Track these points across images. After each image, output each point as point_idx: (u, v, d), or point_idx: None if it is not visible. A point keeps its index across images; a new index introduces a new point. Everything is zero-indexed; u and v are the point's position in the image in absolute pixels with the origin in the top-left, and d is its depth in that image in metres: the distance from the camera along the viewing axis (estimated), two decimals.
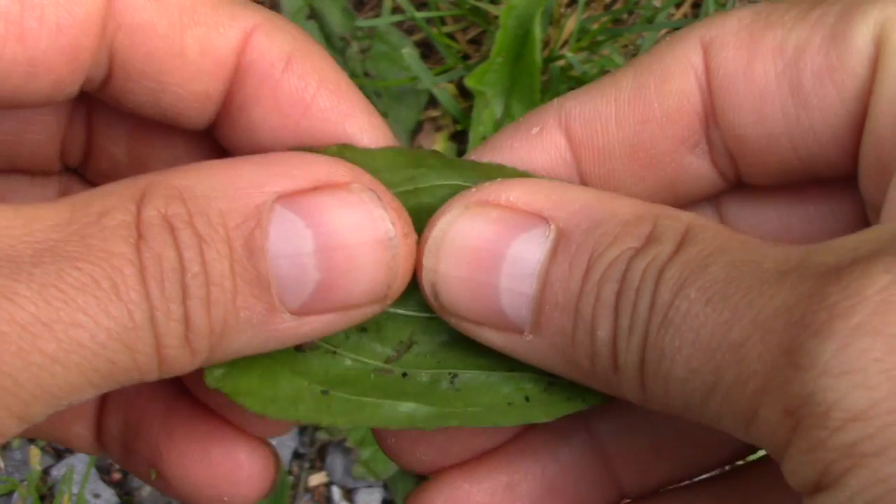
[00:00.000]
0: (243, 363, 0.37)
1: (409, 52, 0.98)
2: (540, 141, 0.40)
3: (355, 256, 0.35)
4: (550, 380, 0.38)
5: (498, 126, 0.96)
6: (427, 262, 0.37)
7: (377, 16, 1.07)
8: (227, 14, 0.38)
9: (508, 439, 0.42)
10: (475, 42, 1.07)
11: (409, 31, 1.08)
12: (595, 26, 1.02)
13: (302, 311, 0.35)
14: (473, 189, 0.38)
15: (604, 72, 0.99)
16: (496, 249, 0.36)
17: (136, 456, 0.44)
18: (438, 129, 1.04)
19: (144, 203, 0.33)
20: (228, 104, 0.39)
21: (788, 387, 0.30)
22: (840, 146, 0.37)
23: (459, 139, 1.04)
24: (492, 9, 1.02)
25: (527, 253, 0.36)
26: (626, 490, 0.42)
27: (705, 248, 0.34)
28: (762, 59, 0.37)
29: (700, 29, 0.39)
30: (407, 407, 0.38)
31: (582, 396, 0.38)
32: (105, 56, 0.37)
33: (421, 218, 0.38)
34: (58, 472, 1.00)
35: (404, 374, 0.38)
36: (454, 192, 0.38)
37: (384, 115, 1.04)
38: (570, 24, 1.01)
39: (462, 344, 0.39)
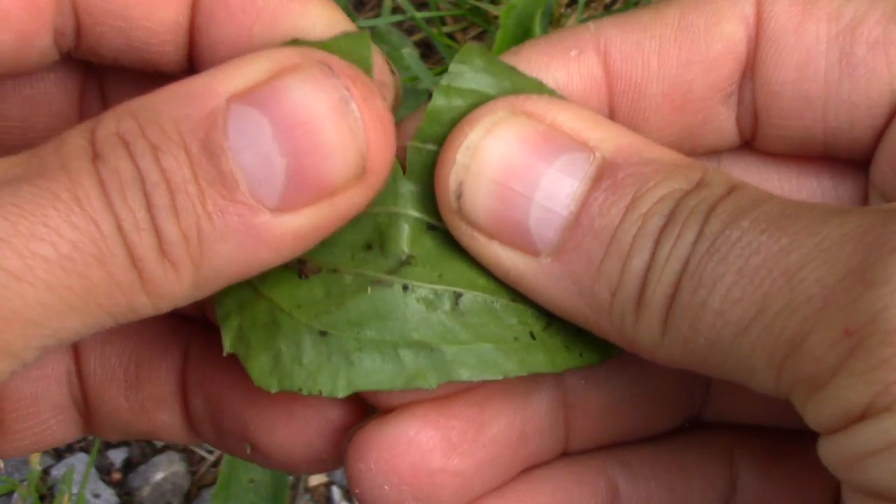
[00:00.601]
0: (249, 325, 0.37)
1: (409, 52, 0.98)
2: (577, 65, 0.39)
3: (315, 132, 0.34)
4: (549, 319, 0.38)
5: None
6: (461, 157, 0.36)
7: (377, 16, 1.07)
8: None
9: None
10: (475, 42, 1.07)
11: (409, 31, 1.08)
12: None
13: (283, 207, 0.34)
14: (521, 97, 0.37)
15: None
16: (539, 163, 0.36)
17: (228, 433, 0.43)
18: None
19: (98, 126, 0.33)
20: (192, 30, 0.38)
21: (854, 305, 0.29)
22: (871, 123, 0.37)
23: None
24: (492, 9, 1.02)
25: (569, 173, 0.35)
26: (569, 446, 0.42)
27: (756, 192, 0.34)
28: (816, 19, 0.37)
29: None
30: (407, 355, 0.37)
31: (580, 348, 0.38)
32: (67, 1, 0.36)
33: (440, 119, 0.38)
34: (58, 472, 1.00)
35: (405, 287, 0.37)
36: (484, 101, 0.37)
37: None
38: (570, 24, 1.02)
39: (464, 261, 0.38)
